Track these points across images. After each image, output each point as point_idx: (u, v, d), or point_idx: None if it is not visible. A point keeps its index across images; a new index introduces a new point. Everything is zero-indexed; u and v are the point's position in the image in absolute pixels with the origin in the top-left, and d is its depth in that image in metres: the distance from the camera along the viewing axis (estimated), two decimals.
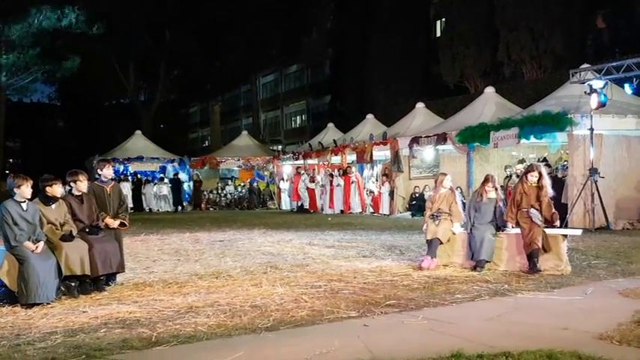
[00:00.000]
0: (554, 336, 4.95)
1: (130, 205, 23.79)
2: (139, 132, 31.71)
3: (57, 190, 7.11)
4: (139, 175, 28.58)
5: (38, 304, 6.40)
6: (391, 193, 20.35)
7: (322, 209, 23.47)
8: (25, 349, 4.89)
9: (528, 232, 7.95)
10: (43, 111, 61.47)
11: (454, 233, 8.81)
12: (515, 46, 25.14)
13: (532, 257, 7.91)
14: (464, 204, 9.68)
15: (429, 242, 8.79)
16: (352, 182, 22.19)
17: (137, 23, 38.89)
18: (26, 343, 5.05)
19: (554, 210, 8.17)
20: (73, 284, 6.94)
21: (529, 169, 8.43)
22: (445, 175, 9.38)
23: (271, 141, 49.54)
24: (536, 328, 5.27)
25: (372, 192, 22.04)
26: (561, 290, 6.89)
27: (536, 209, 8.01)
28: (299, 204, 24.89)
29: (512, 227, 8.23)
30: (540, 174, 8.15)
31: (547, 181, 8.16)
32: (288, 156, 28.81)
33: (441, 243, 8.76)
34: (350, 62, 35.92)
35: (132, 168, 29.08)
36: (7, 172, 45.76)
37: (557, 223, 8.33)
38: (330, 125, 28.54)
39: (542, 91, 18.07)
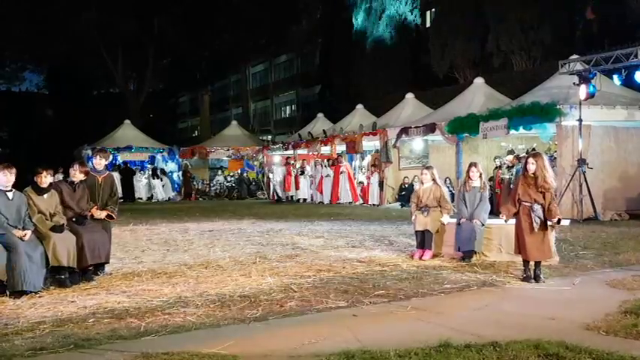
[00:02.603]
0: (541, 326, 4.99)
1: (120, 195, 23.57)
2: (128, 121, 31.47)
3: (45, 180, 7.06)
4: (128, 165, 28.38)
5: (27, 293, 6.36)
6: (380, 184, 20.39)
7: (312, 199, 23.51)
8: (13, 339, 4.88)
9: (522, 237, 6.97)
10: (31, 100, 60.86)
11: (443, 224, 8.84)
12: (504, 36, 25.17)
13: (525, 263, 7.11)
14: (453, 195, 9.68)
15: (420, 233, 8.81)
16: (342, 172, 22.18)
17: (125, 9, 38.47)
18: (14, 333, 5.03)
19: (557, 212, 7.05)
20: (63, 277, 6.90)
21: (527, 157, 7.37)
22: (429, 168, 9.21)
23: (261, 131, 49.37)
24: (524, 318, 5.31)
25: (361, 182, 22.07)
26: (549, 280, 6.95)
27: (540, 204, 6.94)
28: (286, 195, 24.92)
29: (505, 220, 7.37)
30: (537, 162, 6.99)
31: (547, 169, 6.98)
32: (277, 146, 28.75)
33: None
34: (340, 52, 35.82)
35: (121, 158, 28.88)
36: None
37: (554, 229, 7.41)
38: (320, 115, 28.48)
39: (531, 82, 18.10)
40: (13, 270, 6.38)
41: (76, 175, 7.51)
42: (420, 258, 8.55)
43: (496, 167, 16.13)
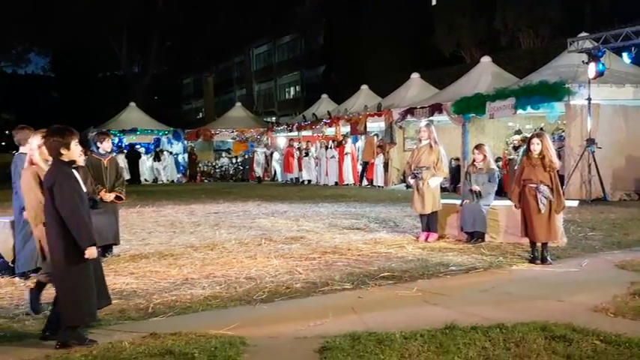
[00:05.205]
0: (548, 308, 4.97)
1: (127, 177, 23.61)
2: (133, 104, 31.39)
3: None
4: (134, 147, 28.37)
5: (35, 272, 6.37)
6: (385, 165, 20.31)
7: (317, 181, 23.52)
8: (24, 319, 4.95)
9: (529, 218, 6.86)
10: (37, 82, 60.93)
11: (429, 185, 8.48)
12: (512, 14, 24.88)
13: (532, 245, 7.06)
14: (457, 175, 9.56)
15: (425, 217, 8.68)
16: (346, 154, 22.11)
17: None
18: (25, 314, 5.08)
19: (562, 199, 6.96)
20: None
21: (531, 137, 7.24)
22: (428, 126, 8.85)
23: (265, 112, 49.20)
24: (531, 300, 5.29)
25: (366, 163, 21.98)
26: (556, 262, 6.91)
27: (547, 185, 6.81)
28: (289, 177, 24.97)
29: (516, 207, 7.08)
30: (543, 142, 6.88)
31: (551, 150, 6.88)
32: (282, 127, 28.65)
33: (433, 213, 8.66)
34: (344, 32, 35.51)
35: (126, 140, 28.88)
36: (2, 143, 45.50)
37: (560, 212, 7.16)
38: (324, 96, 28.31)
39: (539, 61, 17.92)
40: (20, 250, 6.38)
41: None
42: (426, 240, 8.50)
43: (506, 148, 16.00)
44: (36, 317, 4.91)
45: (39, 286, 4.86)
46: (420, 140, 8.86)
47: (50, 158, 4.45)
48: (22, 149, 6.37)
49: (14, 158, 6.46)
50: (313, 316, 4.80)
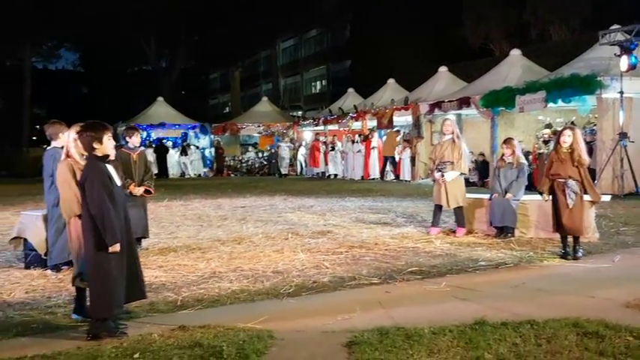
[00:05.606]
0: (580, 304, 4.88)
1: (155, 171, 23.93)
2: (160, 99, 31.74)
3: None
4: (162, 142, 28.71)
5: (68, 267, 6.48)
6: (412, 159, 20.18)
7: (343, 175, 23.49)
8: (56, 312, 5.05)
9: (559, 213, 6.75)
10: (67, 78, 61.95)
11: (444, 179, 8.48)
12: (542, 6, 24.43)
13: (563, 240, 6.97)
14: (486, 169, 9.46)
15: (438, 208, 8.71)
16: (373, 148, 22.02)
17: None
18: (57, 306, 5.20)
19: (595, 191, 6.93)
20: None
21: (562, 129, 7.16)
22: (451, 120, 8.92)
23: (291, 107, 49.23)
24: (562, 296, 5.20)
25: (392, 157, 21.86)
26: (588, 258, 6.78)
27: (576, 180, 6.71)
28: (316, 172, 24.98)
29: (546, 199, 7.01)
30: (574, 136, 6.76)
31: (581, 145, 6.75)
32: (308, 122, 28.66)
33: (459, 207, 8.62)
34: (370, 25, 35.28)
35: (154, 134, 29.25)
36: (34, 138, 46.45)
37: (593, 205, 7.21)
38: (351, 90, 28.22)
39: (570, 54, 17.56)
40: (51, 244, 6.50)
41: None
42: (461, 235, 8.42)
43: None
44: (68, 309, 5.00)
45: (77, 292, 4.86)
46: (445, 134, 8.80)
47: (85, 152, 4.55)
48: (53, 144, 6.48)
49: (46, 152, 6.57)
50: (341, 311, 4.79)
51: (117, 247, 4.32)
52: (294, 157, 28.21)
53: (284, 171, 26.85)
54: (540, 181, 7.27)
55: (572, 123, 15.36)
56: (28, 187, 18.45)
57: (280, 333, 4.27)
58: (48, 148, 6.66)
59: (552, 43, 23.90)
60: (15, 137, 39.04)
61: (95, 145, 4.44)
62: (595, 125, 14.58)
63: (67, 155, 4.91)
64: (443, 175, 8.53)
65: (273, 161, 28.30)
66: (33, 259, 6.84)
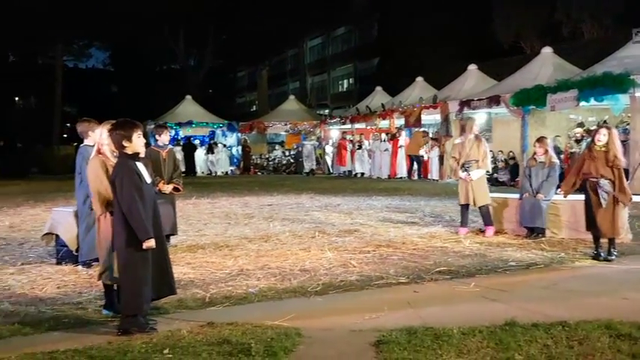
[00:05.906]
0: (612, 306, 4.79)
1: (183, 169, 24.16)
2: (189, 97, 32.04)
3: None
4: (191, 140, 28.99)
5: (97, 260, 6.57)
6: (441, 158, 20.00)
7: (370, 174, 23.41)
8: (87, 307, 5.13)
9: (592, 213, 6.66)
10: (97, 76, 62.96)
11: (470, 178, 8.45)
12: (574, 4, 23.97)
13: (595, 241, 6.87)
14: (516, 169, 9.35)
15: (465, 208, 8.65)
16: (400, 147, 21.88)
17: None
18: (88, 301, 5.29)
19: (629, 193, 6.72)
20: None
21: (598, 127, 6.99)
22: (473, 119, 9.00)
23: (318, 105, 49.24)
24: (594, 298, 5.10)
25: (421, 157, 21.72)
26: (621, 259, 6.65)
27: (608, 179, 6.58)
28: (342, 170, 24.94)
29: (564, 195, 7.06)
30: (610, 135, 6.64)
31: (617, 145, 6.62)
32: (335, 120, 28.63)
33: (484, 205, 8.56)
34: (398, 23, 35.05)
35: (182, 133, 29.55)
36: (64, 135, 47.35)
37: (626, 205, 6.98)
38: (378, 89, 28.10)
39: (602, 52, 17.19)
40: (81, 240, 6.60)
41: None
42: (490, 235, 8.33)
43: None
44: (98, 304, 5.08)
45: (106, 288, 4.92)
46: (468, 133, 8.73)
47: (116, 150, 4.62)
48: (86, 141, 6.58)
49: (79, 150, 6.68)
50: (368, 310, 4.77)
51: (152, 242, 4.35)
52: (320, 156, 28.22)
53: (307, 169, 26.82)
54: (566, 180, 7.12)
55: (605, 122, 15.09)
56: (59, 184, 18.84)
57: (308, 331, 4.27)
58: (81, 145, 6.77)
59: (584, 41, 23.46)
60: (46, 135, 39.83)
61: (125, 144, 4.50)
62: (628, 124, 14.28)
63: (99, 152, 4.99)
64: (469, 174, 8.46)
65: (300, 159, 28.35)
66: (64, 255, 6.95)
